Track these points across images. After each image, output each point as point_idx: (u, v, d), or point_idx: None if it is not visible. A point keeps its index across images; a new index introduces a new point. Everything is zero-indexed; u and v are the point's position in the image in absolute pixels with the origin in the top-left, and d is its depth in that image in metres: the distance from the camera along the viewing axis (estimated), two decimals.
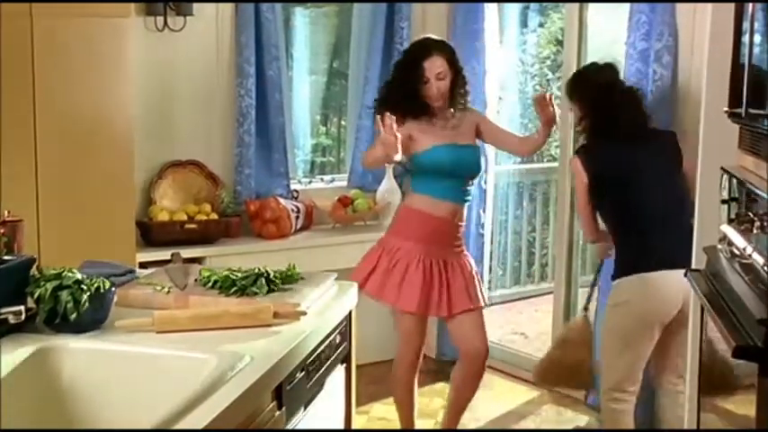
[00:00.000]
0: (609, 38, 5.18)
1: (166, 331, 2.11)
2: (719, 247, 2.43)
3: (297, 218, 4.59)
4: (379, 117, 3.34)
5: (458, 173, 3.59)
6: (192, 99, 4.48)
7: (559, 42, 6.11)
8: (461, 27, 4.76)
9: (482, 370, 3.74)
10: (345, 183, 4.98)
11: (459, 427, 3.91)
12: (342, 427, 2.63)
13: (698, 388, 2.65)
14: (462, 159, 3.60)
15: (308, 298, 2.34)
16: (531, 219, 6.50)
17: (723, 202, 2.47)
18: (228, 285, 2.37)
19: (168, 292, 2.37)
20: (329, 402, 2.46)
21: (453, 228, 3.62)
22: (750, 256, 2.06)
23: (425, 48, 3.61)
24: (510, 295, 6.33)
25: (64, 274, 2.10)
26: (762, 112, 2.06)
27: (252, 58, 4.47)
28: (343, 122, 5.60)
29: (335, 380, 2.51)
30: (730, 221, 2.41)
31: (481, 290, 3.73)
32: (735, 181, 2.38)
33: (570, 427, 4.27)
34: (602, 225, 3.68)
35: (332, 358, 2.45)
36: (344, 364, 2.61)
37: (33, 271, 2.13)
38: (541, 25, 6.68)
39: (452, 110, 3.65)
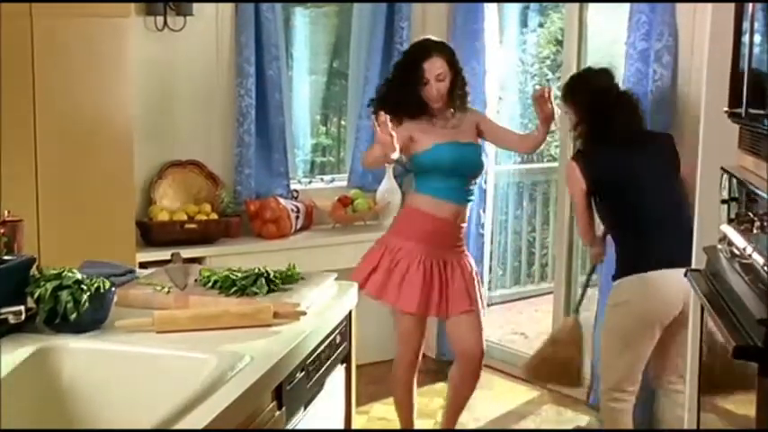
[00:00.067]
0: (609, 38, 5.18)
1: (166, 331, 2.11)
2: (719, 246, 2.43)
3: (297, 218, 4.59)
4: (373, 117, 3.34)
5: (460, 171, 3.59)
6: (191, 99, 4.48)
7: (559, 42, 6.11)
8: (461, 27, 4.76)
9: (478, 370, 3.74)
10: (345, 183, 4.98)
11: (459, 426, 3.91)
12: (342, 427, 2.63)
13: (698, 388, 2.65)
14: (464, 157, 3.60)
15: (307, 298, 2.34)
16: (531, 219, 6.50)
17: (723, 201, 2.47)
18: (228, 285, 2.37)
19: (168, 292, 2.37)
20: (329, 402, 2.46)
21: (455, 229, 3.62)
22: (750, 255, 2.06)
23: (425, 49, 3.61)
24: (510, 295, 6.33)
25: (64, 274, 2.10)
26: (762, 112, 2.06)
27: (252, 58, 4.47)
28: (343, 122, 5.60)
29: (335, 380, 2.51)
30: (730, 221, 2.41)
31: (480, 292, 3.73)
32: (735, 181, 2.38)
33: (570, 427, 4.27)
34: (599, 229, 3.71)
35: (332, 358, 2.45)
36: (344, 364, 2.61)
37: (33, 271, 2.13)
38: (541, 25, 6.68)
39: (452, 110, 3.65)
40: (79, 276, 2.11)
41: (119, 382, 1.94)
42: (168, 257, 2.76)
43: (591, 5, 4.51)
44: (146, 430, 1.58)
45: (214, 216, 4.39)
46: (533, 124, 3.75)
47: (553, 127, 3.73)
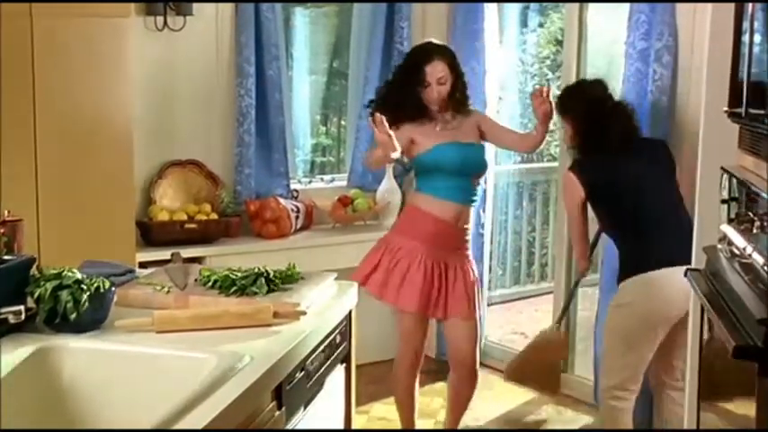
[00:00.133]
0: (609, 38, 5.18)
1: (166, 331, 2.12)
2: (719, 246, 2.43)
3: (297, 218, 4.59)
4: (370, 119, 3.35)
5: (462, 170, 3.59)
6: (191, 99, 4.48)
7: (559, 42, 6.10)
8: (461, 27, 4.76)
9: (473, 375, 3.76)
10: (345, 182, 4.99)
11: (460, 426, 3.91)
12: (342, 426, 2.63)
13: (698, 388, 2.65)
14: (466, 157, 3.60)
15: (307, 298, 2.34)
16: (531, 218, 6.50)
17: (723, 201, 2.47)
18: (228, 285, 2.37)
19: (168, 291, 2.37)
20: (329, 402, 2.46)
21: (457, 231, 3.61)
22: (750, 255, 2.05)
23: (427, 52, 3.62)
24: (510, 295, 6.32)
25: (64, 273, 2.10)
26: (762, 111, 2.06)
27: (252, 58, 4.47)
28: (343, 122, 5.60)
29: (335, 379, 2.51)
30: (730, 221, 2.41)
31: (479, 300, 3.73)
32: (735, 181, 2.38)
33: (570, 427, 4.27)
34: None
35: (332, 358, 2.45)
36: (344, 364, 2.61)
37: (33, 271, 2.13)
38: (541, 25, 6.68)
39: (452, 113, 3.66)
40: (79, 276, 2.11)
41: (119, 381, 1.94)
42: (168, 257, 2.76)
43: (591, 5, 4.51)
44: (146, 430, 1.58)
45: (214, 216, 4.39)
46: (533, 124, 3.75)
47: (552, 126, 3.73)
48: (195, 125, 4.50)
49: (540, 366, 4.12)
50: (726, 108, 2.37)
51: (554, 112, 3.63)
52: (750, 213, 2.19)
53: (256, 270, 2.43)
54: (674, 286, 3.26)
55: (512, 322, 5.93)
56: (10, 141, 3.33)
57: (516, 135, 3.91)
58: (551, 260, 6.01)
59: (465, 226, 3.65)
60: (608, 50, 5.48)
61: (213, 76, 4.51)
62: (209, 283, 2.41)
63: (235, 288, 2.36)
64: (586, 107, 3.60)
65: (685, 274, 2.59)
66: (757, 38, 2.16)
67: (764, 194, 2.05)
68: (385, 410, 4.30)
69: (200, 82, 4.49)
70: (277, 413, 2.01)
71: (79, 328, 2.07)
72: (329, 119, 5.90)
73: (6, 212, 2.22)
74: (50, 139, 3.51)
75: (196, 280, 2.47)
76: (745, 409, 1.93)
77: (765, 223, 2.04)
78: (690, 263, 2.82)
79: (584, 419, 4.31)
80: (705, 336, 2.51)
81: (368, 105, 3.77)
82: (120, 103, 3.70)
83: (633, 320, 3.42)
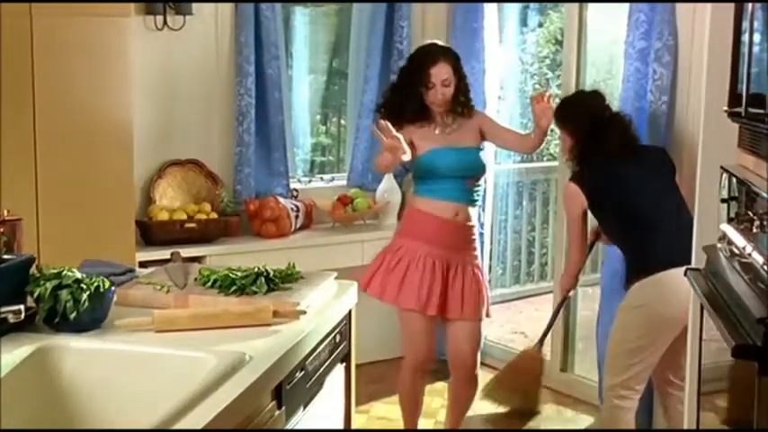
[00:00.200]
0: (608, 37, 5.18)
1: (166, 330, 2.12)
2: (719, 245, 2.43)
3: (296, 217, 4.59)
4: (374, 127, 3.37)
5: (458, 174, 3.60)
6: (191, 98, 4.48)
7: (559, 42, 6.11)
8: (461, 26, 4.76)
9: (472, 377, 3.76)
10: (345, 182, 4.98)
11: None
12: (341, 426, 2.63)
13: (698, 388, 2.65)
14: (462, 161, 3.61)
15: (307, 297, 2.34)
16: (531, 218, 6.50)
17: (723, 201, 2.47)
18: (228, 284, 2.37)
19: (168, 291, 2.37)
20: (329, 402, 2.46)
21: (457, 229, 3.61)
22: (750, 255, 2.05)
23: (432, 55, 3.63)
24: (510, 294, 6.32)
25: (63, 273, 2.10)
26: (761, 111, 2.06)
27: (251, 57, 4.47)
28: (342, 121, 5.60)
29: (335, 379, 2.51)
30: (730, 220, 2.41)
31: (485, 304, 3.70)
32: (734, 180, 2.38)
33: (570, 427, 4.27)
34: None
35: (331, 357, 2.45)
36: (344, 364, 2.61)
37: (33, 270, 2.13)
38: (541, 25, 6.68)
39: (453, 116, 3.66)
40: (79, 275, 2.11)
41: (118, 381, 1.94)
42: (168, 257, 2.76)
43: (590, 5, 4.51)
44: (146, 430, 1.58)
45: (214, 215, 4.39)
46: (533, 124, 3.75)
47: (552, 126, 3.73)
48: (195, 124, 4.50)
49: (517, 386, 4.17)
50: (725, 107, 2.37)
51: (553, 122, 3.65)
52: (750, 213, 2.19)
53: (256, 269, 2.43)
54: (684, 286, 3.27)
55: (511, 321, 5.94)
56: (10, 141, 3.33)
57: (516, 136, 3.91)
58: (551, 260, 6.01)
59: (468, 223, 3.64)
60: (607, 50, 5.48)
61: (213, 76, 4.51)
62: (209, 283, 2.41)
63: (234, 287, 2.36)
64: (585, 119, 3.63)
65: (685, 274, 2.59)
66: (757, 37, 2.16)
67: (764, 194, 2.05)
68: (385, 410, 4.30)
69: (200, 81, 4.49)
70: (277, 413, 2.01)
71: (79, 327, 2.07)
72: (329, 118, 5.90)
73: (6, 212, 2.22)
74: (50, 139, 3.51)
75: (196, 279, 2.47)
76: (745, 408, 1.93)
77: (765, 222, 2.04)
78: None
79: (585, 419, 4.31)
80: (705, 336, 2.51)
81: (377, 110, 3.77)
82: (119, 102, 3.70)
83: (647, 321, 3.43)
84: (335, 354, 2.49)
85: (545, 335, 4.18)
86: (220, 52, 4.51)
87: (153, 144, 4.30)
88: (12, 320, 1.94)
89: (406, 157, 3.41)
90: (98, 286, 2.10)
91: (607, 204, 3.60)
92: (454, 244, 3.61)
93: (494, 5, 4.82)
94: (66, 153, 3.56)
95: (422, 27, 4.90)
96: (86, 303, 2.06)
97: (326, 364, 2.40)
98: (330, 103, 5.79)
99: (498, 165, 5.47)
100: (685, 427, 2.88)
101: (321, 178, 5.17)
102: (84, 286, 2.08)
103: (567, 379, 4.63)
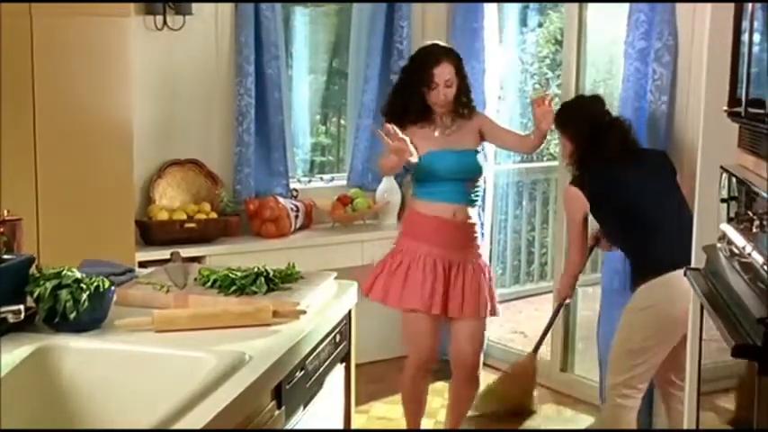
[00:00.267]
0: (608, 37, 5.18)
1: (166, 330, 2.12)
2: (719, 245, 2.43)
3: (296, 217, 4.59)
4: (379, 131, 3.39)
5: (455, 176, 3.60)
6: (191, 98, 4.48)
7: (559, 42, 6.11)
8: (461, 26, 4.76)
9: (473, 378, 3.76)
10: (345, 182, 4.98)
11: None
12: (341, 426, 2.63)
13: (697, 387, 2.65)
14: (459, 163, 3.61)
15: (307, 297, 2.34)
16: (531, 218, 6.50)
17: (722, 200, 2.47)
18: (228, 284, 2.37)
19: (168, 291, 2.37)
20: (329, 401, 2.46)
21: (457, 228, 3.61)
22: (749, 254, 2.05)
23: (435, 55, 3.63)
24: (509, 294, 6.32)
25: (63, 273, 2.10)
26: (761, 111, 2.06)
27: (251, 57, 4.47)
28: (342, 121, 5.60)
29: (335, 379, 2.51)
30: (730, 220, 2.41)
31: (488, 303, 3.66)
32: (734, 180, 2.38)
33: (570, 426, 4.27)
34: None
35: (331, 357, 2.45)
36: (344, 363, 2.61)
37: (33, 270, 2.13)
38: (541, 25, 6.69)
39: (453, 117, 3.67)
40: (78, 275, 2.11)
41: (118, 381, 1.94)
42: (168, 257, 2.76)
43: (590, 5, 4.50)
44: (146, 430, 1.58)
45: (213, 215, 4.39)
46: (533, 124, 3.75)
47: (552, 126, 3.73)
48: (195, 124, 4.50)
49: (509, 397, 4.22)
50: (725, 107, 2.37)
51: (552, 125, 3.66)
52: (749, 212, 2.19)
53: (256, 269, 2.43)
54: (689, 286, 3.28)
55: (511, 321, 5.93)
56: (10, 141, 3.33)
57: (516, 137, 3.91)
58: (551, 259, 6.01)
59: (469, 222, 3.64)
60: (607, 50, 5.48)
61: (213, 76, 4.51)
62: (209, 283, 2.41)
63: (234, 287, 2.36)
64: (585, 124, 3.64)
65: (685, 274, 2.59)
66: (757, 37, 2.16)
67: (764, 193, 2.05)
68: (385, 410, 4.30)
69: (200, 81, 4.49)
70: (276, 412, 2.01)
71: (79, 327, 2.07)
72: (329, 118, 5.90)
73: (6, 212, 2.22)
74: (50, 139, 3.51)
75: (195, 279, 2.47)
76: (744, 408, 1.93)
77: (765, 222, 2.04)
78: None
79: (584, 419, 4.31)
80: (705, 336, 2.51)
81: (382, 113, 3.77)
82: (119, 102, 3.70)
83: (654, 323, 3.43)
84: (335, 353, 2.49)
85: (540, 341, 4.18)
86: (220, 52, 4.51)
87: (153, 144, 4.30)
88: (11, 320, 1.94)
89: (414, 158, 3.40)
90: (98, 286, 2.10)
91: (608, 208, 3.61)
92: (455, 243, 3.61)
93: (494, 5, 4.82)
94: (66, 153, 3.56)
95: (422, 27, 4.90)
96: (86, 303, 2.06)
97: (326, 363, 2.40)
98: (330, 102, 5.79)
99: (498, 165, 5.47)
100: (685, 426, 2.88)
101: (321, 178, 5.17)
102: (84, 286, 2.08)
103: (567, 379, 4.63)
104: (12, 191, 3.18)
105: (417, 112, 3.61)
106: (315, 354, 2.28)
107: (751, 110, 2.16)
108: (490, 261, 5.30)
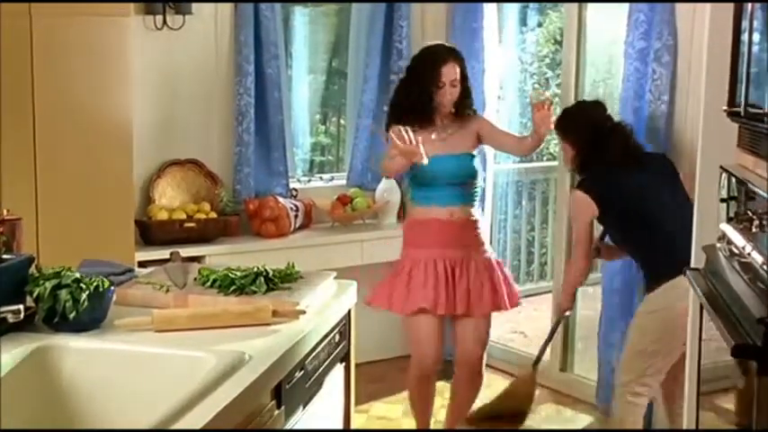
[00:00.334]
0: (608, 37, 5.18)
1: (165, 330, 2.11)
2: (718, 245, 2.43)
3: (296, 216, 4.59)
4: (392, 134, 3.39)
5: (451, 181, 3.61)
6: (191, 98, 4.48)
7: (558, 41, 6.11)
8: (460, 26, 4.76)
9: (477, 376, 3.76)
10: (344, 181, 4.99)
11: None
12: (341, 426, 2.63)
13: (697, 387, 2.65)
14: (454, 167, 3.61)
15: (307, 297, 2.34)
16: (531, 218, 6.50)
17: (722, 200, 2.47)
18: (227, 284, 2.37)
19: (167, 291, 2.37)
20: (328, 401, 2.46)
21: (457, 227, 3.60)
22: (749, 254, 2.05)
23: (442, 54, 3.63)
24: None
25: (63, 273, 2.10)
26: (761, 110, 2.06)
27: (251, 57, 4.47)
28: (342, 121, 5.60)
29: (335, 379, 2.51)
30: (729, 220, 2.41)
31: (492, 300, 3.65)
32: (734, 179, 2.38)
33: (570, 426, 4.27)
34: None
35: (331, 357, 2.45)
36: (344, 363, 2.61)
37: (32, 270, 2.13)
38: (540, 24, 6.69)
39: (452, 119, 3.66)
40: (78, 275, 2.11)
41: (118, 381, 1.94)
42: (167, 256, 2.76)
43: (590, 5, 4.51)
44: (146, 430, 1.58)
45: (213, 215, 4.39)
46: (532, 129, 3.74)
47: (552, 129, 3.73)
48: (194, 124, 4.50)
49: (507, 414, 4.17)
50: (725, 107, 2.37)
51: (552, 126, 3.65)
52: (749, 212, 2.19)
53: (255, 269, 2.42)
54: None
55: (511, 321, 5.92)
56: (10, 141, 3.33)
57: (514, 139, 3.90)
58: (550, 259, 6.01)
59: (471, 219, 3.64)
60: (607, 50, 5.48)
61: (212, 75, 4.51)
62: (209, 283, 2.41)
63: (234, 287, 2.36)
64: (586, 129, 3.64)
65: (684, 273, 2.59)
66: (756, 37, 2.16)
67: (763, 193, 2.05)
68: (385, 409, 4.30)
69: (200, 81, 4.49)
70: (276, 412, 2.01)
71: (78, 327, 2.07)
72: (328, 118, 5.90)
73: (5, 211, 2.22)
74: (50, 138, 3.51)
75: (195, 279, 2.47)
76: (744, 408, 1.93)
77: (764, 222, 2.04)
78: None
79: (584, 419, 4.31)
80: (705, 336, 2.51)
81: (391, 115, 3.75)
82: (119, 102, 3.70)
83: (663, 325, 3.42)
84: (335, 353, 2.48)
85: (540, 355, 4.11)
86: (220, 52, 4.51)
87: (153, 144, 4.30)
88: (11, 320, 1.94)
89: (425, 161, 3.39)
90: (97, 286, 2.10)
91: (615, 213, 3.60)
92: (455, 242, 3.60)
93: (493, 5, 4.82)
94: (65, 153, 3.56)
95: (421, 27, 4.91)
96: (86, 303, 2.06)
97: (326, 363, 2.40)
98: (329, 102, 5.79)
99: (498, 165, 5.47)
100: (685, 426, 2.88)
101: (320, 178, 5.17)
102: (84, 286, 2.08)
103: (567, 379, 4.63)
104: (12, 191, 3.18)
105: (421, 113, 3.60)
106: (314, 353, 2.27)
107: (750, 110, 2.16)
108: None
